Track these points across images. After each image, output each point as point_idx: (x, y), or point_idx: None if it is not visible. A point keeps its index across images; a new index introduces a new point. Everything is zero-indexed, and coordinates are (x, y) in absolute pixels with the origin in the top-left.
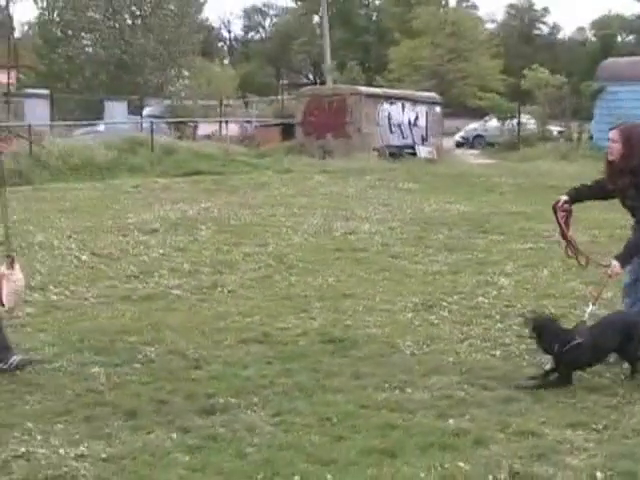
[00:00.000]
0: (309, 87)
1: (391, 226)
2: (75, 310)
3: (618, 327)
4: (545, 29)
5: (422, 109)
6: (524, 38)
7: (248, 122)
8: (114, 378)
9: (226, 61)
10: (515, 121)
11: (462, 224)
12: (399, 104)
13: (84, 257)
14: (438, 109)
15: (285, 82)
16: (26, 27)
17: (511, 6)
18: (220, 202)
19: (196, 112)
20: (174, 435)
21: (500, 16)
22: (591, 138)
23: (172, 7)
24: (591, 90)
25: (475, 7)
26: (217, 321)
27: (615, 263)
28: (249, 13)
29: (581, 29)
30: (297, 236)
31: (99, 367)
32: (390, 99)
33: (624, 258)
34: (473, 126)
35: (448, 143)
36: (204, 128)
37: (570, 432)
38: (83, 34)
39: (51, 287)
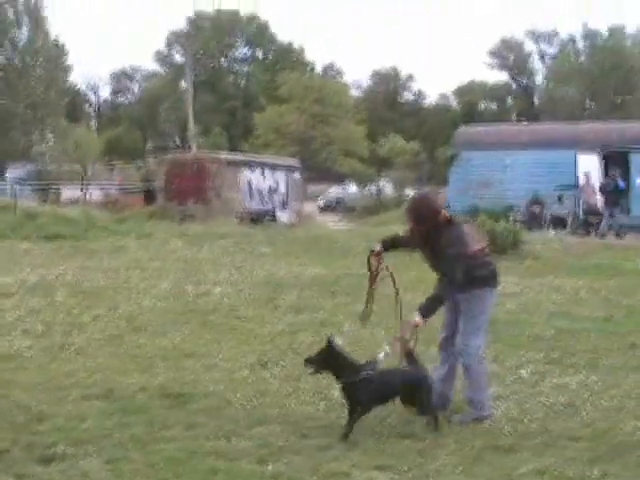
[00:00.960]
0: (171, 153)
1: (241, 289)
2: None
3: (405, 377)
4: (410, 96)
5: (282, 175)
6: (389, 104)
7: (110, 188)
8: None
9: (93, 124)
10: (374, 186)
11: (311, 287)
12: (259, 170)
13: None
14: (297, 175)
15: (151, 146)
16: None
17: (376, 73)
18: (76, 266)
19: (61, 176)
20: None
21: (366, 83)
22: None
23: (39, 72)
24: (446, 156)
25: (340, 74)
26: (64, 378)
27: (417, 316)
28: (117, 77)
29: (444, 96)
30: (147, 299)
31: None
32: (250, 165)
33: (426, 313)
34: (335, 191)
35: (312, 208)
36: (68, 193)
37: (377, 473)
38: None
39: None
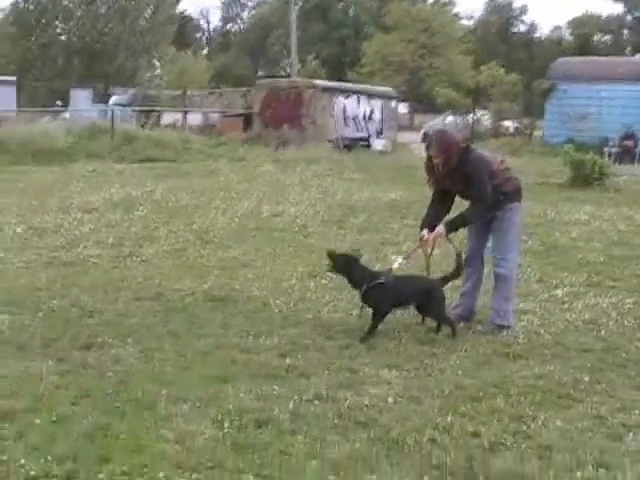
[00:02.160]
0: (267, 79)
1: (317, 210)
2: None
3: (418, 285)
4: (522, 27)
5: (377, 103)
6: (501, 36)
7: (211, 112)
8: (17, 323)
9: (204, 52)
10: (470, 116)
11: (384, 210)
12: (354, 98)
13: (19, 230)
14: (393, 103)
15: (261, 74)
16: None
17: (489, 3)
18: (165, 186)
19: (164, 102)
20: (50, 362)
21: (478, 13)
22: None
23: None
24: (542, 88)
25: (452, 3)
26: (121, 282)
27: (440, 227)
28: (227, 4)
29: (557, 28)
30: (224, 217)
31: (7, 315)
32: (346, 92)
33: (450, 226)
34: (433, 122)
35: (414, 137)
36: (168, 117)
37: (385, 371)
38: (57, 22)
39: None
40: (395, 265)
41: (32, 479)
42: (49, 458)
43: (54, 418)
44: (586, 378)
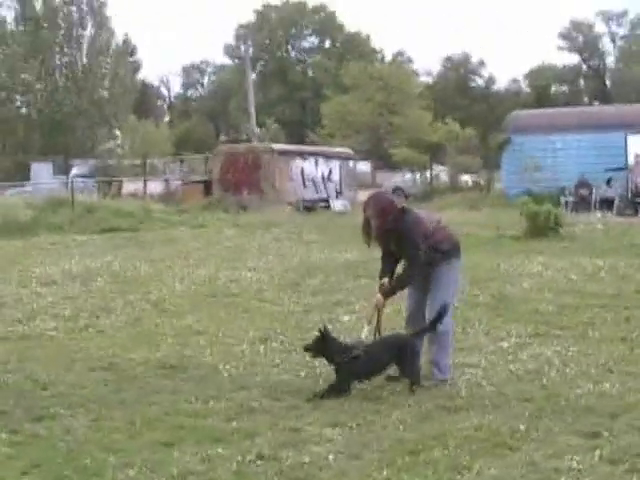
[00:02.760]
0: (225, 145)
1: (273, 274)
2: None
3: (391, 344)
4: (480, 81)
5: (335, 164)
6: (460, 90)
7: (171, 180)
8: None
9: (166, 119)
10: (431, 172)
11: (340, 271)
12: (312, 159)
13: None
14: (352, 163)
15: (223, 139)
16: None
17: (448, 59)
18: (124, 256)
19: (126, 171)
20: (2, 435)
21: (436, 68)
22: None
23: (104, 70)
24: (497, 141)
25: (410, 60)
26: (75, 354)
27: (378, 296)
28: (187, 71)
29: (515, 81)
30: (181, 285)
31: None
32: (303, 155)
33: (388, 292)
34: (393, 180)
35: None
36: (130, 186)
37: (328, 429)
38: (17, 96)
39: None
40: (363, 335)
41: None
42: None
43: None
44: (522, 427)
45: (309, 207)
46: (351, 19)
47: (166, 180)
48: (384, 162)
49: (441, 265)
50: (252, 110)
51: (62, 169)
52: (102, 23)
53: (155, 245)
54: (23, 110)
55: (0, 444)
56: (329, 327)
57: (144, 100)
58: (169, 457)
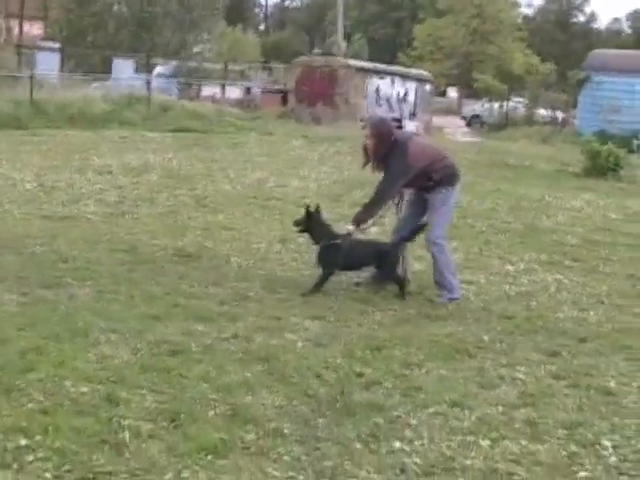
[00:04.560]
0: (302, 57)
1: (320, 184)
2: None
3: (372, 247)
4: (582, 17)
5: (412, 85)
6: (560, 25)
7: (250, 87)
8: None
9: (261, 27)
10: (508, 103)
11: None
12: (388, 79)
13: (29, 186)
14: (428, 87)
15: (318, 51)
16: None
17: None
18: (187, 155)
19: (208, 75)
20: (13, 296)
21: (538, 1)
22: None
23: None
24: (576, 79)
25: None
26: (104, 236)
27: (349, 226)
28: None
29: (616, 20)
30: (229, 185)
31: None
32: (380, 73)
33: (358, 219)
34: (473, 107)
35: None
36: (208, 90)
37: (308, 321)
38: None
39: None
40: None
41: None
42: None
43: None
44: (486, 337)
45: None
46: None
47: (247, 87)
48: (471, 90)
49: (436, 192)
50: (340, 25)
51: (144, 67)
52: None
53: (220, 147)
54: (115, 7)
55: (9, 303)
56: (320, 209)
57: (239, 6)
58: (153, 328)
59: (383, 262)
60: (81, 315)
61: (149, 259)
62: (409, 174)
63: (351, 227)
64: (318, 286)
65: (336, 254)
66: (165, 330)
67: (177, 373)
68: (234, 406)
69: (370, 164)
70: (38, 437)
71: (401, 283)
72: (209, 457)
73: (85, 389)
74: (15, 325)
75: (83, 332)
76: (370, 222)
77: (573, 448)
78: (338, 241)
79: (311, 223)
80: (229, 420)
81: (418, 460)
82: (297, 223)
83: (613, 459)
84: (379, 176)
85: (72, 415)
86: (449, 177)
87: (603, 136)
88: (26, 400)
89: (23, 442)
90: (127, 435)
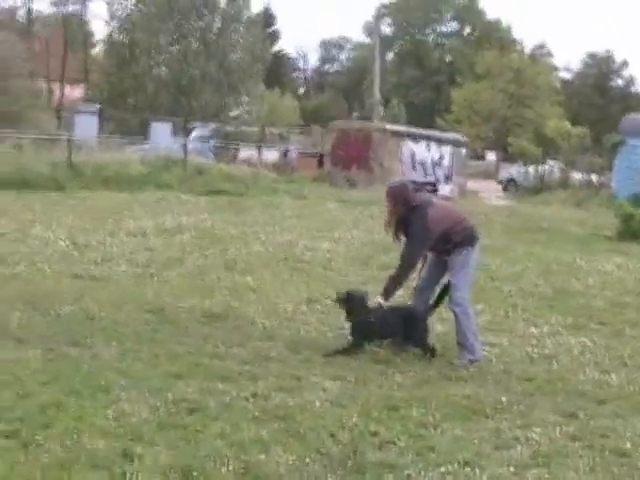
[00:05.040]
0: (339, 121)
1: (351, 247)
2: (31, 279)
3: (401, 315)
4: (620, 81)
5: (447, 149)
6: (599, 88)
7: (288, 150)
8: (25, 320)
9: (301, 90)
10: (543, 167)
11: None
12: (423, 143)
13: (63, 245)
14: (463, 150)
15: (357, 115)
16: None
17: (590, 56)
18: (221, 217)
19: (246, 138)
20: (38, 353)
21: (576, 65)
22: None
23: (235, 37)
24: (611, 142)
25: (550, 54)
26: (131, 296)
27: (379, 299)
28: (326, 45)
29: None
30: (261, 246)
31: (18, 312)
32: (415, 137)
33: (387, 293)
34: (509, 171)
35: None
36: (245, 153)
37: (329, 382)
38: (148, 56)
39: (22, 263)
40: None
41: None
42: None
43: (21, 392)
44: (504, 399)
45: (416, 189)
46: (493, 6)
47: (286, 150)
48: (508, 154)
49: (455, 254)
50: (376, 89)
51: (182, 130)
52: None
53: (254, 210)
54: (155, 70)
55: (33, 360)
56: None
57: (279, 70)
58: (173, 386)
59: (412, 329)
60: (103, 373)
61: (174, 320)
62: (431, 239)
63: (381, 300)
64: (344, 352)
65: (369, 328)
66: (185, 389)
67: (193, 430)
68: (247, 463)
69: (389, 230)
70: None
71: (430, 350)
72: None
73: (102, 444)
74: (38, 381)
75: (104, 389)
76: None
77: None
78: (372, 319)
79: (349, 301)
80: (241, 477)
81: None
82: (339, 299)
83: None
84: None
85: (87, 469)
86: (468, 238)
87: (638, 200)
88: (43, 453)
89: None
90: None
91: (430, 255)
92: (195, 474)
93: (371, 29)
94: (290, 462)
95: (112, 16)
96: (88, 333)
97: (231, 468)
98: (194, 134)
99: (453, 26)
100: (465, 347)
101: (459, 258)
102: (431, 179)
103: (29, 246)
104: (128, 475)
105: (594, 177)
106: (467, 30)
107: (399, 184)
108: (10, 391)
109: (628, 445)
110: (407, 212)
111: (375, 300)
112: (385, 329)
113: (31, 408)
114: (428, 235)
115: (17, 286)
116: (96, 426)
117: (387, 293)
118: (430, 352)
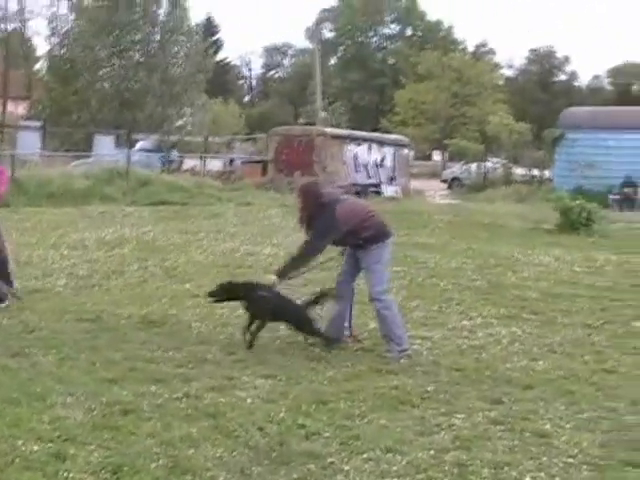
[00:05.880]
0: (280, 127)
1: (292, 251)
2: None
3: (291, 308)
4: (563, 76)
5: (389, 150)
6: (542, 84)
7: (233, 159)
8: None
9: (246, 98)
10: (486, 164)
11: None
12: (366, 145)
13: None
14: (406, 151)
15: (302, 121)
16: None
17: (532, 51)
18: (164, 228)
19: (190, 148)
20: None
21: (519, 62)
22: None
23: (176, 49)
24: (552, 137)
25: (493, 52)
26: (71, 307)
27: (272, 277)
28: (269, 52)
29: (597, 77)
30: (201, 255)
31: None
32: (357, 140)
33: (282, 273)
34: (453, 169)
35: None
36: (189, 163)
37: (261, 380)
38: (89, 71)
39: None
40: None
41: None
42: None
43: None
44: (430, 388)
45: (359, 192)
46: (434, 8)
47: (230, 158)
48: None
49: (367, 249)
50: (319, 94)
51: (125, 143)
52: (176, 2)
53: (197, 219)
54: (97, 85)
55: None
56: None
57: (223, 79)
58: (108, 390)
59: (299, 323)
60: (41, 381)
61: (113, 327)
62: (335, 234)
63: (274, 277)
64: (254, 334)
65: (265, 304)
66: (120, 392)
67: (126, 431)
68: (176, 458)
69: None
70: None
71: (322, 338)
72: None
73: (36, 447)
74: None
75: (41, 396)
76: (292, 276)
77: None
78: (265, 293)
79: (230, 287)
80: (169, 471)
81: None
82: (212, 294)
83: None
84: None
85: (21, 470)
86: (379, 234)
87: (579, 192)
88: None
89: None
90: None
91: (348, 249)
92: (125, 469)
93: (312, 35)
94: (218, 456)
95: (52, 32)
96: (27, 343)
97: (160, 463)
98: (138, 146)
99: (395, 28)
100: (392, 340)
101: (372, 254)
102: (374, 181)
103: None
104: (60, 474)
105: (536, 172)
106: (409, 32)
107: (310, 182)
108: None
109: (548, 426)
110: (317, 209)
111: (268, 277)
112: (280, 310)
113: None
114: (333, 230)
115: None
116: (32, 431)
117: (283, 273)
118: (321, 337)
